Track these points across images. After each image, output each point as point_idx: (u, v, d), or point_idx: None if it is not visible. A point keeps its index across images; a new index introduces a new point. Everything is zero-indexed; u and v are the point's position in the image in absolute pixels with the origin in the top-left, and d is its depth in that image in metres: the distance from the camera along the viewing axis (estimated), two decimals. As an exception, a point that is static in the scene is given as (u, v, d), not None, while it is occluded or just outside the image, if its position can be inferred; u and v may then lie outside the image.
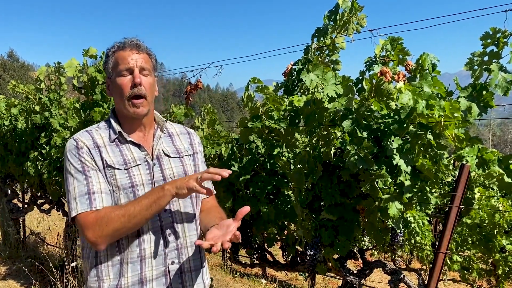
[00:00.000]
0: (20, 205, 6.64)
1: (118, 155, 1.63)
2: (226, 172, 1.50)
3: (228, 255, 4.16)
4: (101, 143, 1.64)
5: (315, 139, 2.40)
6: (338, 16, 2.48)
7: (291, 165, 2.79)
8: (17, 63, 59.77)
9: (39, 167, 4.71)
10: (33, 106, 4.76)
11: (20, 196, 6.84)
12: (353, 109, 2.15)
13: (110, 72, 1.67)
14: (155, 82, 1.72)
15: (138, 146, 1.68)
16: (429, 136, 2.00)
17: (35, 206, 5.95)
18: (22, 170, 5.19)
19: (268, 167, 2.91)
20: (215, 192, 1.95)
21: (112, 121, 1.70)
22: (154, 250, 1.64)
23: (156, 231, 1.65)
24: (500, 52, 2.05)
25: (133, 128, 1.71)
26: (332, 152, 2.31)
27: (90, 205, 1.55)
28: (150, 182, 1.65)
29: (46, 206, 5.75)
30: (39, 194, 5.65)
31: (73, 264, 4.63)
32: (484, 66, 2.08)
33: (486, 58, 2.08)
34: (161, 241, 1.66)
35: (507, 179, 1.94)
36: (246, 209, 1.52)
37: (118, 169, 1.61)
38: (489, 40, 2.07)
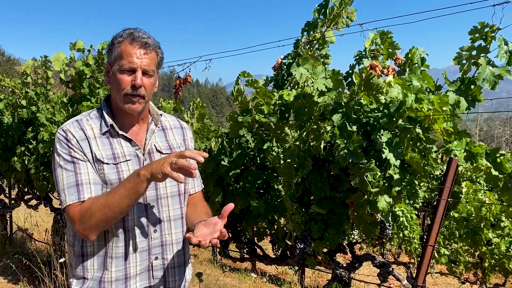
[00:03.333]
0: (6, 201, 6.55)
1: (108, 149, 1.60)
2: (201, 157, 1.44)
3: (218, 249, 4.16)
4: (90, 134, 1.60)
5: (305, 133, 2.40)
6: (328, 10, 2.48)
7: (281, 159, 2.79)
8: (3, 57, 58.88)
9: (26, 162, 4.65)
10: (20, 100, 4.69)
11: (7, 191, 6.75)
12: (342, 103, 2.16)
13: (112, 61, 1.60)
14: (156, 79, 1.67)
15: (129, 140, 1.65)
16: (418, 130, 2.02)
17: (22, 202, 5.88)
18: (8, 165, 5.12)
19: (258, 161, 2.91)
20: (202, 187, 1.95)
21: (104, 112, 1.65)
22: (139, 246, 1.63)
23: (142, 227, 1.64)
24: (488, 46, 2.06)
25: (127, 121, 1.67)
26: (322, 146, 2.32)
27: (78, 196, 1.53)
28: None
29: (33, 202, 5.68)
30: (26, 190, 5.58)
31: (61, 260, 4.58)
32: (473, 61, 2.09)
33: (474, 53, 2.10)
34: (147, 237, 1.65)
35: (494, 172, 1.97)
36: (230, 206, 1.52)
37: (107, 163, 1.58)
38: (477, 35, 2.08)
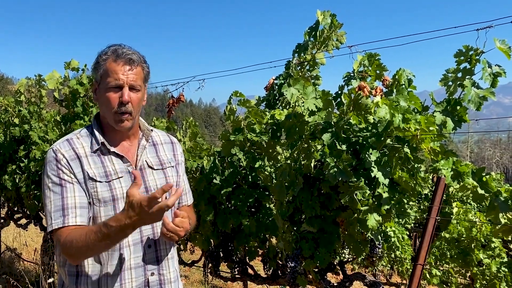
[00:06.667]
0: (-5, 220, 6.47)
1: (100, 167, 1.61)
2: (180, 191, 1.49)
3: (209, 270, 4.14)
4: (82, 153, 1.61)
5: (296, 152, 2.43)
6: (318, 33, 2.56)
7: (273, 179, 2.81)
8: (-4, 76, 58.80)
9: (17, 181, 4.62)
10: (12, 118, 4.69)
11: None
12: (332, 123, 2.20)
13: (99, 79, 1.62)
14: (144, 94, 1.69)
15: (121, 157, 1.66)
16: (406, 149, 2.06)
17: (11, 221, 5.81)
18: (-2, 183, 5.08)
19: (250, 180, 2.93)
20: (192, 201, 1.98)
21: (95, 129, 1.66)
22: (134, 262, 1.64)
23: (136, 243, 1.65)
24: (473, 69, 2.14)
25: (117, 138, 1.68)
26: (312, 165, 2.35)
27: (63, 221, 1.53)
28: None
29: (23, 221, 5.62)
30: (16, 209, 5.52)
31: (50, 280, 4.52)
32: (458, 82, 2.16)
33: (460, 75, 2.16)
34: (141, 253, 1.65)
35: (480, 191, 2.00)
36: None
37: (100, 181, 1.59)
38: (462, 58, 2.15)
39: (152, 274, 1.67)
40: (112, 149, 1.65)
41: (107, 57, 1.60)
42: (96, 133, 1.65)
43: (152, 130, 1.81)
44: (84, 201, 1.58)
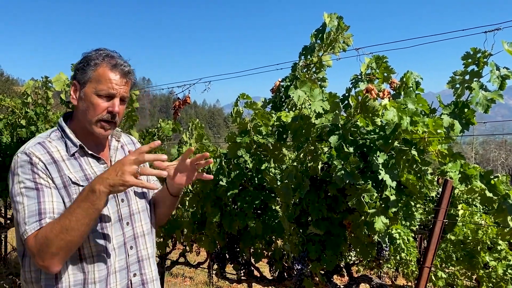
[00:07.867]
0: (2, 220, 6.51)
1: (79, 171, 1.57)
2: (163, 155, 1.47)
3: (214, 271, 4.14)
4: (58, 157, 1.54)
5: (302, 154, 2.43)
6: (325, 35, 2.55)
7: (278, 180, 2.81)
8: (1, 77, 59.16)
9: (24, 182, 4.65)
10: (19, 120, 4.72)
11: (3, 211, 6.71)
12: (339, 125, 2.20)
13: (86, 81, 1.57)
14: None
15: (97, 159, 1.65)
16: (414, 152, 2.05)
17: (17, 222, 5.84)
18: (5, 185, 5.11)
19: (256, 181, 2.93)
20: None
21: (68, 132, 1.61)
22: (119, 265, 1.63)
23: (120, 246, 1.64)
24: (481, 71, 2.12)
25: (90, 140, 1.65)
26: (319, 167, 2.35)
27: (40, 225, 1.42)
28: (112, 195, 1.59)
29: (29, 222, 5.64)
30: (22, 210, 5.55)
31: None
32: (466, 85, 2.15)
33: (467, 77, 2.15)
34: (124, 255, 1.65)
35: (488, 194, 1.99)
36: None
37: (82, 185, 1.53)
38: (470, 60, 2.14)
39: (134, 275, 1.68)
40: (90, 151, 1.64)
41: (100, 62, 1.57)
42: (71, 136, 1.61)
43: (121, 131, 1.83)
44: (61, 207, 1.49)
